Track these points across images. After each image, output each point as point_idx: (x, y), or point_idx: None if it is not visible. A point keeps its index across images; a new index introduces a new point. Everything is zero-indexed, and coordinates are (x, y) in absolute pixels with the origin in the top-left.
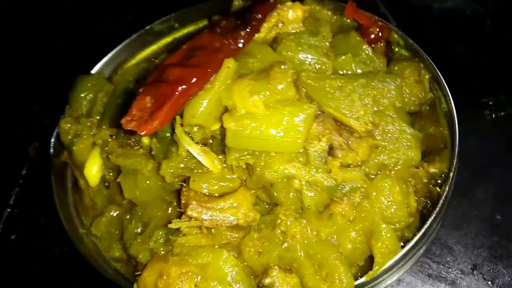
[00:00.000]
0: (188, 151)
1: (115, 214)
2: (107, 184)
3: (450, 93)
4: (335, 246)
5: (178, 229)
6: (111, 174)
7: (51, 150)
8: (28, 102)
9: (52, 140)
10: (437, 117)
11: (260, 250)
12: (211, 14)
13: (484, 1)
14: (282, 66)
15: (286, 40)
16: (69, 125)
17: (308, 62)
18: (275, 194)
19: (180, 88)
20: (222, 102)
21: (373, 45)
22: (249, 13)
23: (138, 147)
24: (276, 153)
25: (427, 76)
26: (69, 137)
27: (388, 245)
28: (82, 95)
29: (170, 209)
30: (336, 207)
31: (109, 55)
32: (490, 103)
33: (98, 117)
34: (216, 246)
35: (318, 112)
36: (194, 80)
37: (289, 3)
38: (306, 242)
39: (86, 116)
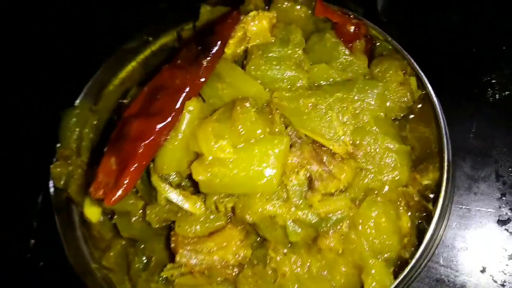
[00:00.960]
0: (167, 198)
1: (121, 247)
2: (109, 216)
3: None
4: (327, 280)
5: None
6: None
7: (51, 191)
8: (28, 102)
9: (51, 182)
10: (428, 116)
11: None
12: (180, 22)
13: None
14: (245, 104)
15: (255, 57)
16: (59, 169)
17: (279, 78)
18: (260, 232)
19: (141, 146)
20: (190, 148)
21: (351, 44)
22: (210, 36)
23: None
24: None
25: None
26: (62, 182)
27: (380, 280)
28: (69, 133)
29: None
30: (323, 242)
31: (89, 83)
32: (493, 81)
33: (87, 155)
34: (214, 284)
35: (294, 138)
36: (154, 135)
37: (253, 13)
38: (297, 279)
39: (77, 153)
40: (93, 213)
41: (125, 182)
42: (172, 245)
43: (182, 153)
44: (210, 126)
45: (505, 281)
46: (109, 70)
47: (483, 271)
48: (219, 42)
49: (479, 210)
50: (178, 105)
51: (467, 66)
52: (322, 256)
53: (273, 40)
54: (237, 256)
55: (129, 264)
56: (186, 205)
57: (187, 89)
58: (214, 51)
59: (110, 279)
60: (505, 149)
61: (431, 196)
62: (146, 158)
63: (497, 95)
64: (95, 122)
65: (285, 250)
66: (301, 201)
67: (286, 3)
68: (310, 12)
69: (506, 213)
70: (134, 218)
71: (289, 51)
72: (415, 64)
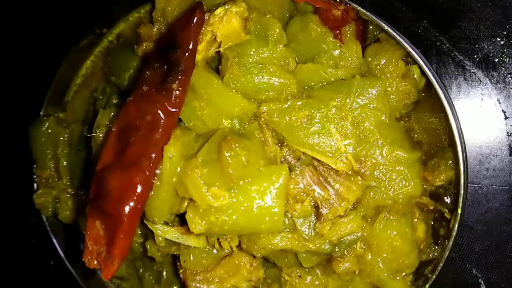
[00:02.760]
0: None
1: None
2: None
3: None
4: None
5: None
6: None
7: (45, 221)
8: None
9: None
10: (434, 102)
11: None
12: (132, 8)
13: None
14: (233, 147)
15: (230, 65)
16: (43, 198)
17: (264, 88)
18: (271, 260)
19: (126, 211)
20: (179, 195)
21: (339, 31)
22: (174, 51)
23: None
24: None
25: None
26: (50, 212)
27: None
28: (42, 151)
29: None
30: (338, 266)
31: (50, 88)
32: (502, 43)
33: (68, 177)
34: None
35: (292, 160)
36: (136, 192)
37: (219, 11)
38: None
39: (57, 175)
40: None
41: (118, 251)
42: (181, 276)
43: (172, 200)
44: (197, 172)
45: None
46: (68, 71)
47: (497, 247)
48: (186, 55)
49: (492, 186)
50: (155, 153)
51: (468, 25)
52: (339, 277)
53: (249, 38)
54: (249, 281)
55: (141, 278)
56: (189, 242)
57: (161, 127)
58: (182, 69)
59: None
60: None
61: (446, 199)
62: (133, 220)
63: (506, 58)
64: (66, 136)
65: (299, 272)
66: (310, 231)
67: None
68: None
69: None
70: (135, 244)
71: (269, 52)
72: (414, 53)
